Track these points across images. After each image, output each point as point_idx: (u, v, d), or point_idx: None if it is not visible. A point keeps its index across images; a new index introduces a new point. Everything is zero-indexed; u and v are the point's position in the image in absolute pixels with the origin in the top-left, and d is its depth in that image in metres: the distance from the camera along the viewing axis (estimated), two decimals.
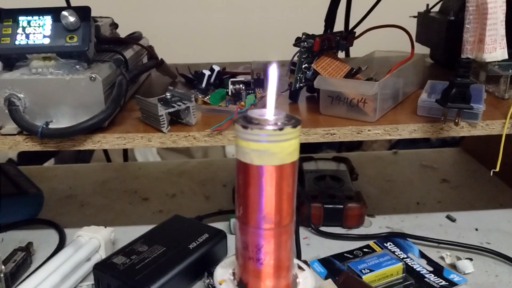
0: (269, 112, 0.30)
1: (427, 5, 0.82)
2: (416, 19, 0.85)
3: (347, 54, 0.84)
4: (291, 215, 0.33)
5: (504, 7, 0.48)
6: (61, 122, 0.52)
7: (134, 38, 0.73)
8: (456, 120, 0.52)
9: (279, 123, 0.31)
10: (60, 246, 0.64)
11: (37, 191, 0.72)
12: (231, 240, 0.61)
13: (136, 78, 0.66)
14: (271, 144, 0.30)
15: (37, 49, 0.51)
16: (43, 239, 0.66)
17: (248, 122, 0.31)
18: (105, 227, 0.62)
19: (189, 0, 1.21)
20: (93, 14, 0.58)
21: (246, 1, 1.20)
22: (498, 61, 0.61)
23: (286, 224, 0.33)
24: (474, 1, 0.48)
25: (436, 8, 0.82)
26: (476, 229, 0.68)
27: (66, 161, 1.30)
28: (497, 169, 0.53)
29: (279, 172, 0.31)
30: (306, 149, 0.93)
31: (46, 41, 0.52)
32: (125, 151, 0.98)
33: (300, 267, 0.37)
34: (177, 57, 0.86)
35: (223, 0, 1.20)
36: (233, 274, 0.36)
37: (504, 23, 0.48)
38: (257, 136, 0.30)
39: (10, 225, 0.68)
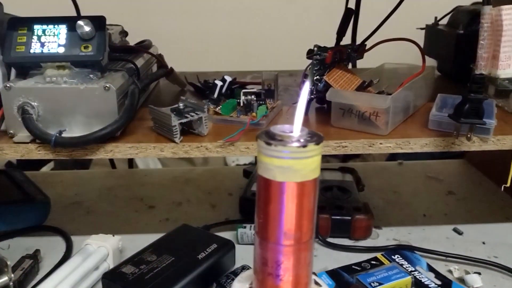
0: (296, 129, 0.30)
1: (435, 17, 0.82)
2: (423, 31, 0.85)
3: (354, 66, 0.84)
4: (311, 231, 0.33)
5: None
6: (74, 130, 0.52)
7: (144, 47, 0.73)
8: (468, 135, 0.53)
9: (302, 140, 0.31)
10: (67, 253, 0.64)
11: (44, 197, 0.72)
12: (239, 251, 0.61)
13: (147, 87, 0.67)
14: (294, 161, 0.30)
15: (52, 58, 0.52)
16: (50, 246, 0.66)
17: (271, 138, 0.31)
18: (113, 236, 0.62)
19: (196, 7, 1.21)
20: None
21: (254, 9, 1.20)
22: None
23: (306, 240, 0.33)
24: (488, 18, 0.48)
25: (444, 21, 0.83)
26: (484, 243, 0.68)
27: (66, 165, 1.30)
28: (508, 184, 0.53)
29: (301, 189, 0.31)
30: None
31: (61, 50, 0.52)
32: (130, 159, 0.98)
33: (316, 283, 0.37)
34: (184, 64, 0.87)
35: (230, 8, 1.21)
36: None
37: None
38: (281, 153, 0.30)
39: (17, 232, 0.68)
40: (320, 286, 0.36)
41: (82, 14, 0.79)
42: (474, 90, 0.50)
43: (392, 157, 1.09)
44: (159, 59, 0.73)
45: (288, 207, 0.31)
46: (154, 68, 0.75)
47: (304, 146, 0.30)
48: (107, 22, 0.74)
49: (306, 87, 0.31)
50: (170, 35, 1.16)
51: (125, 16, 0.96)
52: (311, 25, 1.16)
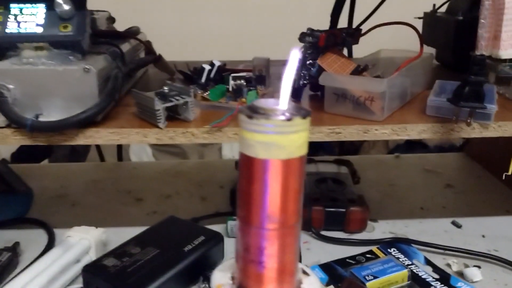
0: (283, 102, 0.28)
1: (434, 5, 0.80)
2: (421, 20, 0.83)
3: (350, 54, 0.81)
4: (297, 215, 0.30)
5: None
6: (52, 115, 0.50)
7: (132, 32, 0.70)
8: (468, 120, 0.50)
9: (287, 114, 0.28)
10: (49, 246, 0.61)
11: (26, 189, 0.70)
12: (228, 243, 0.59)
13: (132, 72, 0.64)
14: (278, 136, 0.28)
15: (29, 38, 0.49)
16: (31, 239, 0.63)
17: (254, 111, 0.28)
18: (96, 228, 0.59)
19: (191, 0, 1.18)
20: (90, 8, 0.55)
21: (247, 1, 1.17)
22: (509, 61, 0.59)
23: (291, 224, 0.30)
24: None
25: (443, 9, 0.80)
26: (483, 236, 0.65)
27: (60, 162, 1.27)
28: (510, 173, 0.51)
29: (286, 167, 0.28)
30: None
31: (39, 29, 0.49)
32: (119, 151, 0.95)
33: (305, 272, 0.34)
34: (176, 56, 0.84)
35: (223, 0, 1.18)
36: (233, 278, 0.33)
37: None
38: (264, 127, 0.27)
39: None
40: (308, 275, 0.34)
41: None
42: (474, 72, 0.47)
43: (391, 153, 1.07)
44: (147, 45, 0.70)
45: (272, 187, 0.29)
46: (142, 55, 0.73)
47: (289, 119, 0.27)
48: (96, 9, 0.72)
49: (296, 53, 0.28)
50: (162, 27, 1.13)
51: (116, 7, 0.93)
52: (308, 16, 1.14)
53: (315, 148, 1.38)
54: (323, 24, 0.68)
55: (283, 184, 0.29)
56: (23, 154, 1.41)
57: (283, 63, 0.78)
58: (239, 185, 0.30)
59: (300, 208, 0.30)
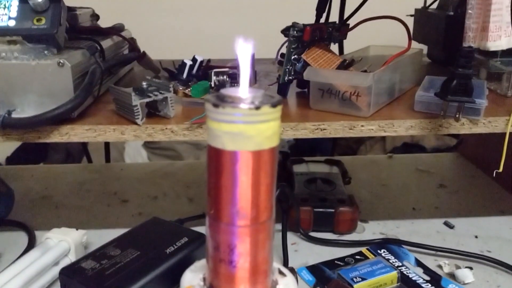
0: (243, 89, 0.26)
1: (425, 1, 0.78)
2: (412, 18, 0.81)
3: (341, 51, 0.80)
4: (269, 211, 0.28)
5: None
6: (26, 111, 0.48)
7: (115, 29, 0.68)
8: (457, 116, 0.48)
9: (256, 102, 0.26)
10: (29, 248, 0.59)
11: (7, 190, 0.67)
12: None
13: (114, 69, 0.62)
14: (246, 126, 0.26)
15: (1, 32, 0.47)
16: (11, 241, 0.61)
17: (221, 100, 0.26)
18: (77, 229, 0.57)
19: (178, 1, 1.17)
20: (74, 4, 0.54)
21: (235, 2, 1.16)
22: (500, 56, 0.58)
23: (263, 220, 0.28)
24: None
25: (434, 6, 0.79)
26: (476, 237, 0.63)
27: (60, 161, 1.25)
28: (501, 170, 0.49)
29: (256, 159, 0.27)
30: (298, 154, 0.89)
31: (12, 23, 0.48)
32: (107, 152, 0.94)
33: (281, 272, 0.32)
34: (162, 54, 0.82)
35: (211, 1, 1.17)
36: (204, 279, 0.31)
37: (509, 8, 0.44)
38: (230, 116, 0.26)
39: None
40: (285, 275, 0.32)
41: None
42: (462, 65, 0.45)
43: (387, 152, 1.06)
44: (131, 42, 0.68)
45: (242, 181, 0.27)
46: (126, 52, 0.71)
47: (258, 108, 0.26)
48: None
49: (246, 42, 0.27)
50: (150, 28, 1.12)
51: (104, 4, 0.92)
52: (298, 12, 1.12)
53: (311, 150, 1.36)
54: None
55: (254, 177, 0.27)
56: (18, 158, 1.39)
57: (271, 60, 0.76)
58: (208, 179, 0.28)
59: (272, 203, 0.29)
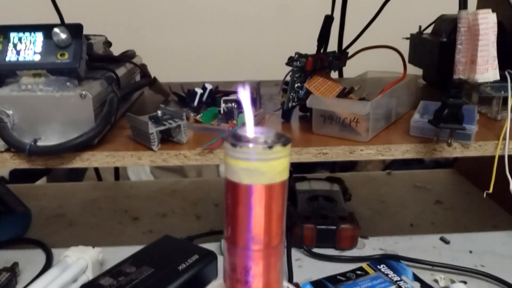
0: (249, 130, 0.30)
1: (420, 26, 0.82)
2: (408, 40, 0.85)
3: (340, 74, 0.84)
4: (280, 236, 0.32)
5: (496, 29, 0.48)
6: (50, 139, 0.52)
7: (127, 56, 0.72)
8: (449, 141, 0.52)
9: (268, 141, 0.30)
10: (47, 266, 0.63)
11: (25, 209, 0.71)
12: (221, 262, 0.60)
13: (128, 96, 0.66)
14: (260, 163, 0.29)
15: (28, 66, 0.51)
16: (29, 259, 0.64)
17: (238, 140, 0.30)
18: (93, 247, 0.60)
19: (183, 19, 1.21)
20: (86, 32, 0.57)
21: (240, 21, 1.20)
22: (490, 82, 0.61)
23: (275, 245, 0.32)
24: (465, 22, 0.48)
25: (429, 30, 0.83)
26: (470, 252, 0.67)
27: (59, 180, 1.29)
28: (491, 190, 0.53)
29: (269, 192, 0.30)
30: (300, 169, 0.93)
31: (37, 57, 0.52)
32: (116, 170, 0.97)
33: None
34: (170, 76, 0.86)
35: (216, 20, 1.21)
36: None
37: (495, 44, 0.48)
38: (246, 155, 0.29)
39: None
40: None
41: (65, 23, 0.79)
42: (453, 95, 0.49)
43: (387, 168, 1.09)
44: (142, 69, 0.72)
45: (256, 211, 0.31)
46: (138, 78, 0.75)
47: (270, 147, 0.29)
48: (93, 33, 0.74)
49: (245, 89, 0.31)
50: (156, 47, 1.16)
51: (110, 27, 0.96)
52: (299, 35, 1.16)
53: (312, 164, 1.40)
54: (316, 41, 0.70)
55: (266, 207, 0.31)
56: (21, 172, 1.43)
57: (274, 83, 0.80)
58: (225, 208, 0.32)
59: (283, 229, 0.32)
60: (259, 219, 0.31)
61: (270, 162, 0.30)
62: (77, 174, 1.53)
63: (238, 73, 1.07)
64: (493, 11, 0.48)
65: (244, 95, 0.30)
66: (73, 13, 0.76)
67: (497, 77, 0.49)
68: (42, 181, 1.21)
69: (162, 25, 1.21)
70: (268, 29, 1.22)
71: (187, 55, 1.23)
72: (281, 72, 0.67)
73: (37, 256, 0.65)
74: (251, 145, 0.29)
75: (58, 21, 0.76)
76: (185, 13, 1.22)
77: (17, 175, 1.42)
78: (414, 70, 0.85)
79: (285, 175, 0.31)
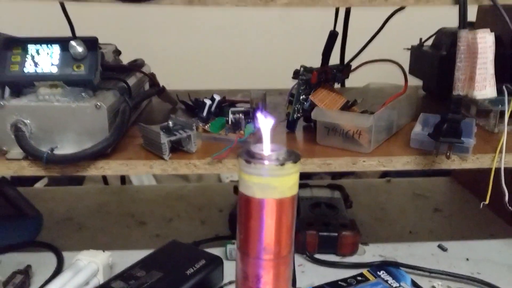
0: (266, 149, 0.32)
1: (420, 39, 0.85)
2: (409, 51, 0.88)
3: (343, 84, 0.86)
4: (289, 246, 0.34)
5: (493, 48, 0.50)
6: (65, 147, 0.54)
7: (137, 66, 0.75)
8: (448, 154, 0.54)
9: (280, 158, 0.32)
10: (58, 269, 0.65)
11: (36, 213, 0.73)
12: (227, 266, 0.62)
13: (138, 105, 0.68)
14: (272, 179, 0.32)
15: (45, 77, 0.53)
16: (41, 261, 0.66)
17: (251, 156, 0.32)
18: (104, 251, 0.62)
19: (189, 26, 1.24)
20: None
21: (246, 29, 1.23)
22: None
23: (285, 255, 0.34)
24: (465, 41, 0.50)
25: (429, 42, 0.85)
26: (467, 259, 0.69)
27: (60, 180, 1.30)
28: (487, 202, 0.55)
29: (280, 205, 0.33)
30: (302, 174, 0.95)
31: (54, 69, 0.54)
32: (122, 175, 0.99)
33: None
34: (177, 81, 0.89)
35: (222, 28, 1.23)
36: None
37: (493, 62, 0.50)
38: (259, 171, 0.32)
39: (9, 247, 0.69)
40: None
41: (77, 32, 0.82)
42: (452, 110, 0.52)
43: (385, 174, 1.11)
44: (151, 77, 0.75)
45: (268, 223, 0.33)
46: (146, 86, 0.77)
47: (282, 164, 0.32)
48: (101, 41, 0.76)
49: (264, 117, 0.33)
50: (163, 53, 1.18)
51: (119, 34, 0.98)
52: (302, 44, 1.19)
53: None
54: (319, 48, 0.72)
55: (277, 220, 0.33)
56: None
57: (279, 91, 0.82)
58: (238, 220, 0.34)
59: (292, 240, 0.35)
60: (270, 230, 0.33)
61: (282, 178, 0.32)
62: (78, 176, 1.54)
63: (243, 79, 1.10)
64: (491, 25, 0.51)
65: (263, 122, 0.32)
66: (80, 18, 0.79)
67: (494, 94, 0.51)
68: (42, 182, 1.21)
69: (169, 32, 1.23)
70: (273, 38, 1.25)
71: (192, 61, 1.25)
72: (286, 79, 0.69)
73: (48, 259, 0.67)
74: (264, 162, 0.32)
75: (65, 27, 0.78)
76: (192, 20, 1.24)
77: (19, 177, 1.43)
78: (414, 80, 0.88)
79: (295, 190, 0.33)
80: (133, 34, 1.18)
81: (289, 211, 0.33)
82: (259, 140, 0.60)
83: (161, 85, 0.77)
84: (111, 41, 0.79)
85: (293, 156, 0.33)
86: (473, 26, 0.90)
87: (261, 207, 0.32)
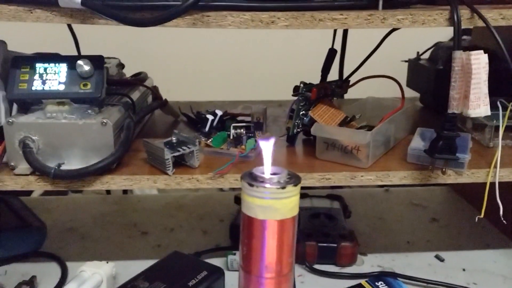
0: (266, 172, 0.34)
1: (418, 52, 0.86)
2: (407, 63, 0.90)
3: (342, 96, 0.88)
4: (290, 265, 0.36)
5: (487, 68, 0.52)
6: (72, 163, 0.55)
7: (140, 79, 0.76)
8: (443, 169, 0.56)
9: (281, 181, 0.34)
10: (62, 280, 0.66)
11: (40, 224, 0.75)
12: (228, 277, 0.64)
13: (142, 119, 0.70)
14: (274, 201, 0.33)
15: (53, 95, 0.55)
16: (45, 272, 0.68)
17: (254, 179, 0.34)
18: (107, 262, 0.64)
19: (191, 36, 1.25)
20: (93, 50, 0.60)
21: (246, 41, 1.25)
22: None
23: (286, 273, 0.36)
24: (459, 62, 0.52)
25: (426, 55, 0.87)
26: (464, 270, 0.70)
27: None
28: (482, 216, 0.57)
29: (281, 226, 0.34)
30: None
31: (61, 87, 0.55)
32: None
33: None
34: (179, 91, 0.90)
35: (224, 39, 1.25)
36: None
37: (487, 82, 0.52)
38: (262, 194, 0.33)
39: (14, 258, 0.70)
40: None
41: (80, 43, 0.83)
42: (447, 128, 0.53)
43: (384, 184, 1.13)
44: (154, 91, 0.76)
45: (269, 243, 0.34)
46: (149, 99, 0.79)
47: (283, 187, 0.33)
48: (104, 53, 0.78)
49: (266, 143, 0.35)
50: (166, 64, 1.20)
51: (121, 45, 1.00)
52: (302, 56, 1.21)
53: None
54: (318, 61, 0.74)
55: (279, 240, 0.34)
56: None
57: (278, 103, 0.84)
58: (241, 239, 0.36)
59: (293, 259, 0.36)
60: (272, 250, 0.34)
61: (283, 200, 0.34)
62: None
63: (243, 91, 1.11)
64: (487, 37, 0.52)
65: (266, 146, 0.34)
66: (83, 29, 0.80)
67: (488, 113, 0.53)
68: (41, 190, 1.22)
69: (171, 42, 1.24)
70: (275, 49, 1.26)
71: (196, 72, 1.27)
72: (287, 90, 0.71)
73: (53, 270, 0.69)
74: (266, 185, 0.33)
75: (68, 38, 0.79)
76: (195, 31, 1.26)
77: None
78: (412, 92, 0.90)
79: (295, 211, 0.35)
80: (136, 44, 1.19)
81: (290, 231, 0.35)
82: (259, 155, 0.62)
83: (163, 97, 0.78)
84: (113, 52, 0.81)
85: (294, 179, 0.34)
86: (470, 33, 0.92)
87: (263, 227, 0.34)
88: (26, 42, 0.71)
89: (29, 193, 1.18)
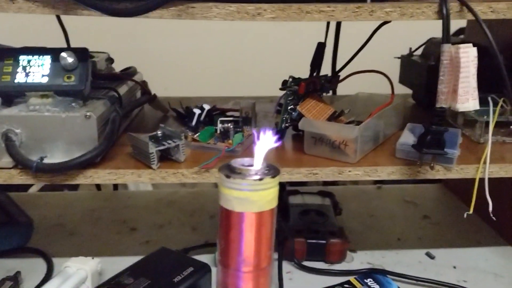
0: (257, 164, 0.33)
1: (410, 48, 0.86)
2: (399, 60, 0.89)
3: (334, 92, 0.87)
4: (269, 258, 0.35)
5: (476, 62, 0.51)
6: (55, 156, 0.54)
7: (129, 74, 0.75)
8: (432, 165, 0.55)
9: (259, 173, 0.33)
10: (48, 275, 0.65)
11: (27, 220, 0.74)
12: (216, 274, 0.63)
13: (129, 114, 0.69)
14: (251, 193, 0.33)
15: (36, 88, 0.54)
16: (31, 268, 0.67)
17: (231, 171, 0.33)
18: (93, 258, 0.63)
19: (182, 32, 1.25)
20: (87, 45, 0.60)
21: (238, 37, 1.24)
22: None
23: (264, 267, 0.35)
24: (448, 55, 0.51)
25: (418, 52, 0.86)
26: (454, 267, 0.70)
27: (54, 185, 1.30)
28: (471, 212, 0.56)
29: (258, 219, 0.33)
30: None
31: (45, 80, 0.54)
32: None
33: None
34: (169, 87, 0.89)
35: (215, 35, 1.24)
36: None
37: (476, 76, 0.51)
38: (239, 185, 0.32)
39: None
40: None
41: (70, 38, 0.83)
42: (435, 122, 0.53)
43: (377, 181, 1.12)
44: (143, 86, 0.75)
45: (247, 236, 0.34)
46: (138, 94, 0.78)
47: (261, 179, 0.33)
48: (94, 47, 0.77)
49: (266, 135, 0.34)
50: (156, 59, 1.19)
51: (112, 40, 0.99)
52: (294, 50, 1.20)
53: None
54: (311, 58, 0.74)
55: (256, 233, 0.34)
56: None
57: (269, 99, 0.83)
58: (219, 233, 0.35)
59: (271, 252, 0.35)
60: (249, 243, 0.34)
61: (260, 192, 0.33)
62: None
63: (234, 87, 1.11)
64: (480, 33, 0.52)
65: (263, 143, 0.33)
66: (73, 24, 0.79)
67: (477, 107, 0.52)
68: (36, 187, 1.21)
69: (161, 37, 1.24)
70: (265, 44, 1.26)
71: (184, 67, 1.26)
72: (277, 86, 0.70)
73: (38, 265, 0.68)
74: (243, 177, 0.32)
75: (58, 31, 0.79)
76: (185, 25, 1.25)
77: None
78: (404, 89, 0.89)
79: (273, 204, 0.34)
80: (126, 39, 1.19)
81: (268, 224, 0.34)
82: (246, 149, 0.61)
83: (152, 92, 0.77)
84: (103, 47, 0.80)
85: (272, 171, 0.33)
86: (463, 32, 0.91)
87: (241, 220, 0.33)
88: (15, 36, 0.70)
89: (26, 188, 1.17)
